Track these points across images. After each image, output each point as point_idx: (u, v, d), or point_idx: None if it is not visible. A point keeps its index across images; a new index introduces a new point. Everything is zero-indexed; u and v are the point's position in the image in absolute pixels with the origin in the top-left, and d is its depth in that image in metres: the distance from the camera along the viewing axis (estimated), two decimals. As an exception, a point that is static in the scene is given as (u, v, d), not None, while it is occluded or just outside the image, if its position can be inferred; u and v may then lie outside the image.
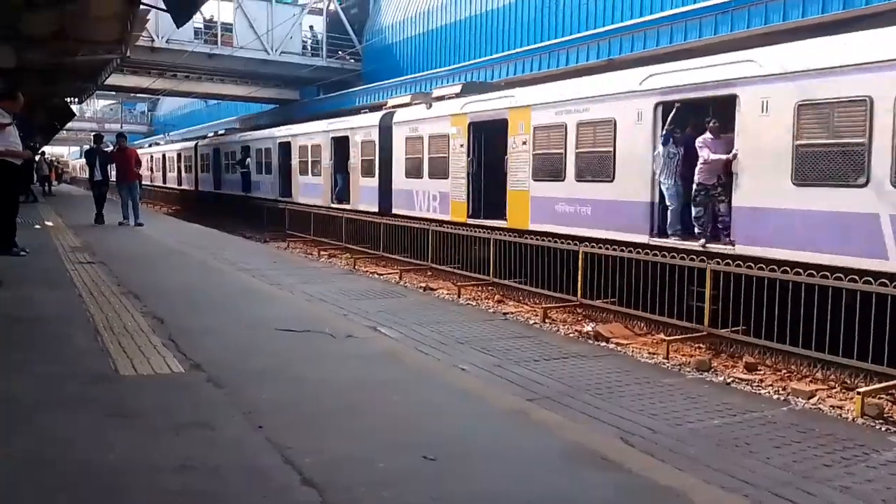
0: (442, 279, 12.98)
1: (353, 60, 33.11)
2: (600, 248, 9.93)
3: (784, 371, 7.56)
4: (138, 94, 56.00)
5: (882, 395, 6.37)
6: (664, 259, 8.91)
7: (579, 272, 10.08)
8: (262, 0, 31.32)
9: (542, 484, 3.31)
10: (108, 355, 5.06)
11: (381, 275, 13.24)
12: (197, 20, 29.35)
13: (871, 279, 6.56)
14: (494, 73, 21.50)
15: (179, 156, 35.84)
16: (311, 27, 33.39)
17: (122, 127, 68.94)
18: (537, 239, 11.14)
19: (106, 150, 17.32)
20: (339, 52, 33.03)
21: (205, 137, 32.09)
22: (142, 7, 13.73)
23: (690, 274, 8.50)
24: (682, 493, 3.25)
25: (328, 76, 32.42)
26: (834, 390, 6.92)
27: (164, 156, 39.33)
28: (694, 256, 8.58)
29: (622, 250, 9.56)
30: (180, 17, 12.89)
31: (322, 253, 16.78)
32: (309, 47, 33.33)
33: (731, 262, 8.17)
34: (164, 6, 12.15)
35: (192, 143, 33.17)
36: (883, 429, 5.32)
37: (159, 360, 5.00)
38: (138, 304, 6.94)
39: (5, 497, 2.86)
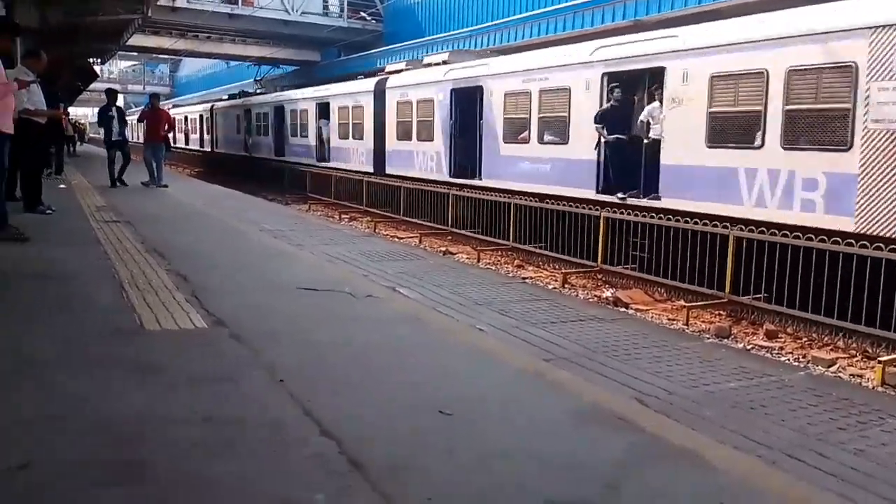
0: (461, 244, 13.02)
1: (374, 21, 32.77)
2: (621, 213, 9.88)
3: (805, 339, 7.53)
4: (160, 56, 56.03)
5: (903, 364, 6.33)
6: (685, 225, 8.85)
7: (600, 237, 10.05)
8: (283, -41, 31.01)
9: (557, 441, 3.35)
10: (133, 311, 5.17)
11: (402, 238, 13.29)
12: (218, -20, 29.19)
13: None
14: (518, 33, 21.17)
15: (201, 117, 35.85)
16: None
17: (144, 88, 69.12)
18: (558, 204, 11.10)
19: (121, 107, 16.93)
20: (361, 13, 32.69)
21: (234, 97, 31.48)
22: (163, -34, 13.64)
23: (713, 240, 8.45)
24: (696, 452, 3.28)
25: (349, 37, 32.14)
26: (855, 359, 6.89)
27: (185, 118, 39.40)
28: (699, 221, 8.74)
29: (643, 216, 9.51)
30: (201, -24, 12.79)
31: (343, 216, 16.86)
32: (331, 7, 33.01)
33: (753, 228, 8.09)
34: (185, -35, 12.06)
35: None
36: (902, 396, 5.31)
37: (183, 316, 5.09)
38: (162, 261, 7.05)
39: (33, 451, 2.95)
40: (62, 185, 14.83)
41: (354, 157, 19.25)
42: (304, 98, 23.08)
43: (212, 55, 41.15)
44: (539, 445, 3.28)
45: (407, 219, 15.01)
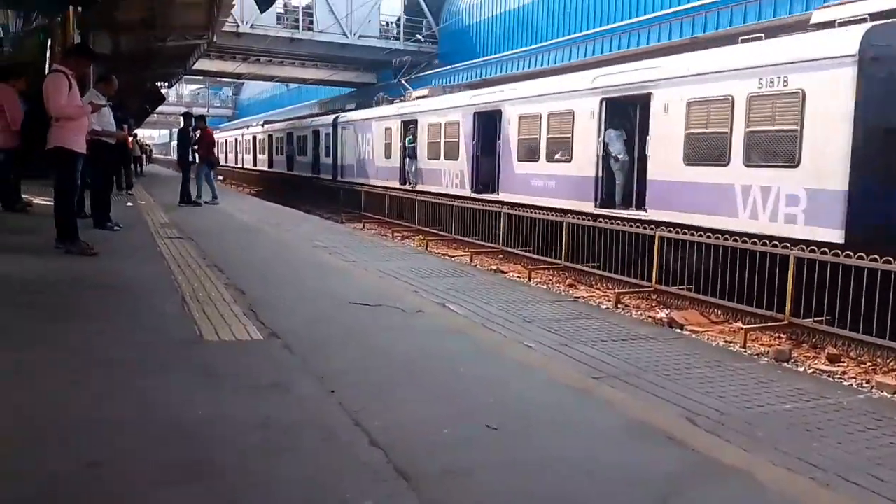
0: (513, 262, 13.02)
1: (429, 43, 33.28)
2: (677, 232, 9.75)
3: (869, 364, 7.26)
4: (223, 79, 58.06)
5: (975, 392, 6.04)
6: (744, 245, 8.68)
7: (654, 257, 9.92)
8: (341, -15, 31.86)
9: (604, 456, 3.34)
10: (193, 322, 5.37)
11: (453, 256, 13.38)
12: (279, 5, 30.18)
13: None
14: (569, 53, 21.19)
15: (271, 137, 36.49)
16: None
17: (208, 110, 71.67)
18: (609, 222, 11.03)
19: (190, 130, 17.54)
20: (416, 35, 33.26)
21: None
22: (227, -6, 14.26)
23: (773, 260, 8.25)
24: (747, 472, 3.23)
25: (405, 59, 32.72)
26: (923, 385, 6.60)
27: (254, 138, 40.19)
28: (757, 241, 8.63)
29: (699, 235, 9.36)
30: (264, 2, 13.31)
31: (395, 234, 17.08)
32: (388, 30, 33.67)
33: (815, 249, 7.88)
34: (248, -8, 12.57)
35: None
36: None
37: (240, 328, 5.27)
38: (221, 276, 7.30)
39: (109, 449, 3.11)
40: (129, 203, 15.49)
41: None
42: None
43: (273, 78, 42.44)
44: (587, 460, 3.28)
45: (458, 237, 15.11)
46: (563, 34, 22.65)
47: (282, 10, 31.43)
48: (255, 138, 37.40)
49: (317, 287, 7.23)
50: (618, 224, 10.81)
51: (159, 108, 43.88)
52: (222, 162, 47.22)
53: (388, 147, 20.81)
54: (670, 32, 17.66)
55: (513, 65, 24.28)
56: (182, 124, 17.26)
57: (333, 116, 24.99)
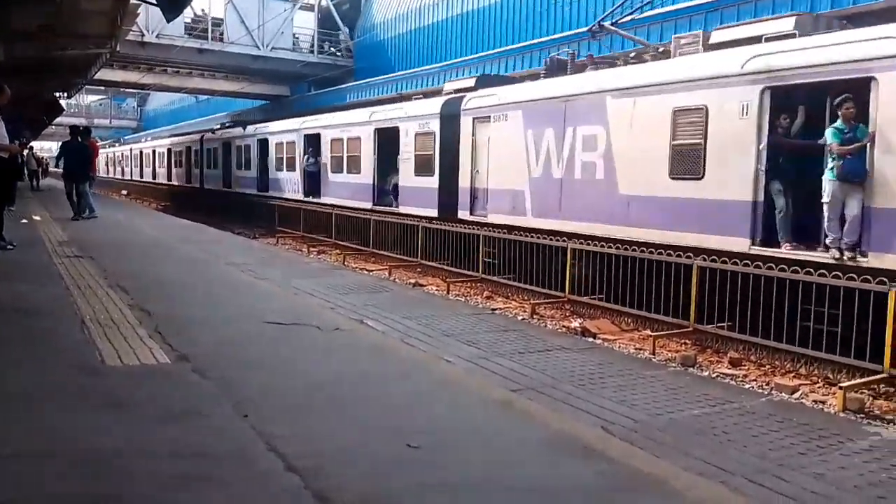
0: (431, 276, 13.04)
1: (344, 57, 33.09)
2: (588, 244, 10.02)
3: (768, 367, 7.65)
4: (128, 90, 55.78)
5: (864, 390, 6.47)
6: (651, 255, 9.00)
7: (567, 269, 10.15)
8: (253, -4, 31.24)
9: (525, 471, 3.36)
10: (95, 347, 5.08)
11: (371, 271, 13.27)
12: (187, 15, 29.27)
13: (854, 275, 6.67)
14: (486, 69, 21.54)
15: (171, 150, 35.35)
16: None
17: (111, 122, 68.51)
18: (525, 235, 11.22)
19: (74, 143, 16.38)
20: (331, 48, 33.02)
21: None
22: (132, 2, 13.70)
23: (678, 270, 8.58)
24: (662, 479, 3.32)
25: (319, 72, 32.38)
26: (817, 385, 7.02)
27: (153, 151, 38.87)
28: (681, 253, 8.71)
29: (609, 246, 9.64)
30: (170, 12, 12.88)
31: (311, 249, 16.79)
32: (301, 42, 33.28)
33: (716, 259, 8.26)
34: (154, 1, 12.14)
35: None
36: (862, 421, 5.41)
37: (145, 352, 5.02)
38: (125, 296, 6.95)
39: (17, 486, 2.88)
40: (24, 220, 14.57)
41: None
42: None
43: (181, 89, 41.09)
44: (508, 475, 3.28)
45: (376, 251, 15.02)
46: (476, 51, 23.03)
47: (190, 21, 30.49)
48: (159, 151, 36.05)
49: (229, 307, 6.98)
50: (531, 237, 11.02)
51: (58, 120, 41.61)
52: (126, 176, 45.32)
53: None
54: (579, 50, 18.25)
55: (428, 80, 24.48)
56: (69, 137, 16.24)
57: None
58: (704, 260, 8.27)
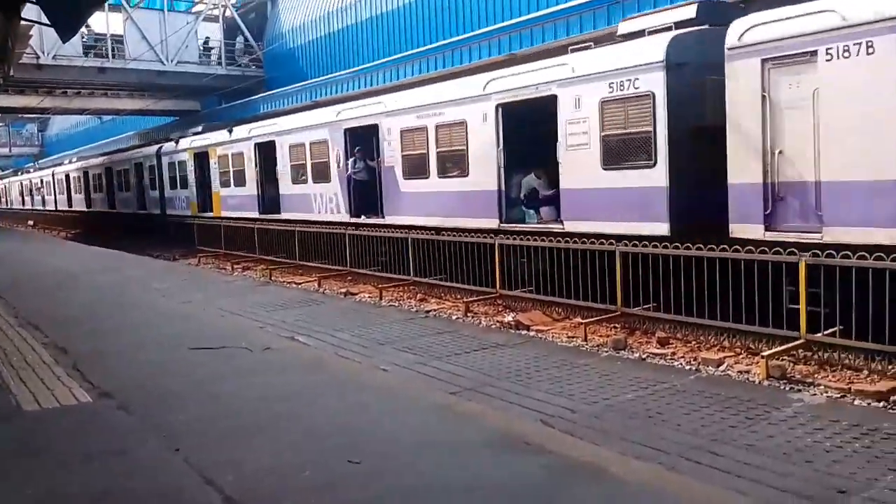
0: (363, 283, 12.90)
1: (254, 67, 32.38)
2: (515, 239, 10.12)
3: (694, 343, 7.91)
4: (27, 115, 52.92)
5: (784, 357, 6.77)
6: (577, 245, 9.17)
7: (496, 265, 10.24)
8: (153, 10, 30.14)
9: (469, 473, 3.36)
10: (8, 391, 4.78)
11: (299, 284, 13.02)
12: (85, 33, 27.99)
13: (766, 248, 6.97)
14: (400, 72, 21.50)
15: (71, 176, 33.66)
16: (207, 38, 32.31)
17: (10, 150, 64.88)
18: (453, 235, 11.25)
19: None
20: (240, 60, 32.27)
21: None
22: (23, 23, 12.98)
23: (602, 257, 8.77)
24: (602, 467, 3.38)
25: (230, 84, 31.56)
26: (741, 356, 7.30)
27: (52, 177, 36.93)
28: (586, 241, 8.99)
29: (535, 239, 9.78)
30: (66, 32, 12.24)
31: (235, 266, 16.34)
32: (211, 55, 32.35)
33: (636, 243, 8.49)
34: (47, 21, 11.52)
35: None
36: (785, 388, 5.66)
37: (64, 392, 4.76)
38: (39, 335, 6.59)
39: None
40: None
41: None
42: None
43: (84, 111, 39.28)
44: (452, 479, 3.27)
45: (303, 263, 14.76)
46: (389, 54, 22.95)
47: (85, 37, 29.14)
48: (68, 176, 34.35)
49: (151, 335, 6.71)
50: (460, 236, 11.06)
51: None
52: (29, 206, 42.98)
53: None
54: (489, 49, 18.46)
55: (341, 87, 24.25)
56: None
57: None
58: (626, 245, 8.48)
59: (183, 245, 20.61)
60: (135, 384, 4.95)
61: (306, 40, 29.12)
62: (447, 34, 20.82)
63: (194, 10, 33.17)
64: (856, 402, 4.72)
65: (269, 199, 16.90)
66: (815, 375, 5.69)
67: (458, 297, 11.03)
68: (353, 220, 14.20)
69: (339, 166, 14.22)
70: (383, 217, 13.37)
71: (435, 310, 10.25)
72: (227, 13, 33.09)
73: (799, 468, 3.36)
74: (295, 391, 4.77)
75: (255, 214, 17.04)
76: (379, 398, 4.58)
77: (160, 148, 23.09)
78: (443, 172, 11.67)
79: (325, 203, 14.88)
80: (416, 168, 12.20)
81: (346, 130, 13.83)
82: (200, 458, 3.53)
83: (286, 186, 16.06)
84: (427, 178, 12.00)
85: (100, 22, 29.38)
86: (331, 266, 13.79)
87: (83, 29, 28.10)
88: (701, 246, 7.56)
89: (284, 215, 15.88)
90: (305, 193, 15.25)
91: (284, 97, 27.27)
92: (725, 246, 7.38)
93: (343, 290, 12.42)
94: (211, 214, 19.01)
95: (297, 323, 7.05)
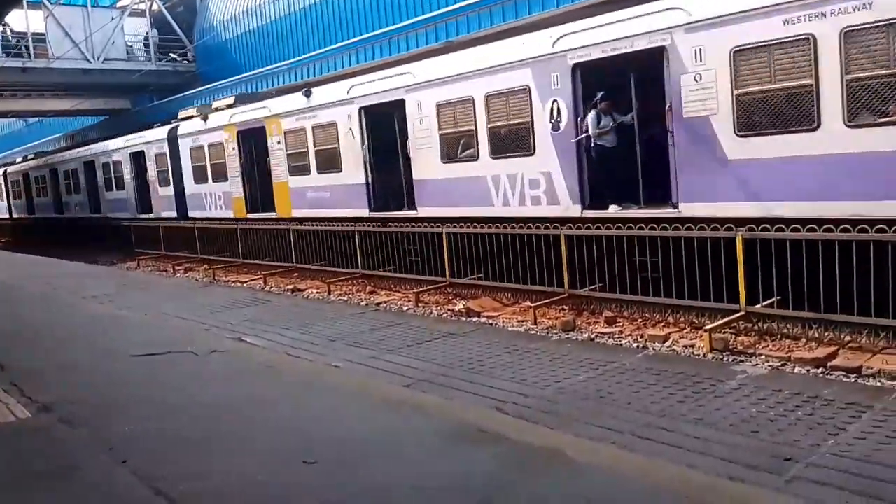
0: (310, 278, 12.73)
1: (186, 62, 31.45)
2: (463, 227, 10.14)
3: (640, 320, 8.09)
4: (-57, 119, 50.29)
5: (726, 329, 6.99)
6: (521, 231, 9.24)
7: (445, 253, 10.24)
8: (76, 6, 28.91)
9: (426, 468, 3.35)
10: (-62, 414, 4.54)
11: (244, 282, 12.78)
12: (6, 33, 26.68)
13: (691, 225, 7.17)
14: (335, 63, 21.20)
15: (17, 178, 32.16)
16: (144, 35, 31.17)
17: (-72, 157, 61.47)
18: (401, 225, 11.20)
19: None
20: (170, 54, 31.28)
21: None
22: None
23: (547, 242, 8.87)
24: (558, 450, 3.41)
25: (161, 80, 30.57)
26: (685, 331, 7.51)
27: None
28: (532, 225, 9.10)
29: (480, 227, 9.81)
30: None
31: (177, 268, 15.93)
32: (136, 50, 31.25)
33: (580, 225, 8.62)
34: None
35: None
36: (728, 360, 5.84)
37: (2, 409, 4.54)
38: (-31, 351, 6.27)
39: None
40: None
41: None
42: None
43: (6, 114, 37.52)
44: (409, 474, 3.26)
45: (248, 261, 14.47)
46: (323, 46, 22.59)
47: (5, 38, 27.79)
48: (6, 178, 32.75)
49: (92, 345, 6.47)
50: (409, 226, 11.02)
51: None
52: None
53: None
54: (426, 38, 18.36)
55: (277, 79, 23.77)
56: None
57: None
58: (571, 228, 8.59)
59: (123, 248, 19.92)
60: (76, 397, 4.76)
61: (238, 32, 28.41)
62: (384, 23, 20.61)
63: (119, 5, 31.97)
64: (796, 370, 4.90)
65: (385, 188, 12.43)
66: (757, 346, 5.88)
67: (409, 287, 11.00)
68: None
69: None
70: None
71: (385, 302, 10.21)
72: (154, 7, 32.00)
73: (746, 439, 3.46)
74: (245, 394, 4.67)
75: (364, 212, 12.45)
76: (332, 396, 4.53)
77: (174, 129, 18.59)
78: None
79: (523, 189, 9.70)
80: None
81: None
82: (149, 469, 3.42)
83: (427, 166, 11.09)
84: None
85: (19, 20, 28.05)
86: (276, 263, 13.57)
87: (0, 28, 26.79)
88: (643, 226, 7.73)
89: (429, 211, 11.05)
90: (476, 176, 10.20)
91: (220, 91, 26.57)
92: (666, 225, 7.56)
93: (290, 287, 12.25)
94: (275, 215, 14.23)
95: (243, 323, 6.92)
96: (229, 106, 16.88)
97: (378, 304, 9.81)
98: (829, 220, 6.20)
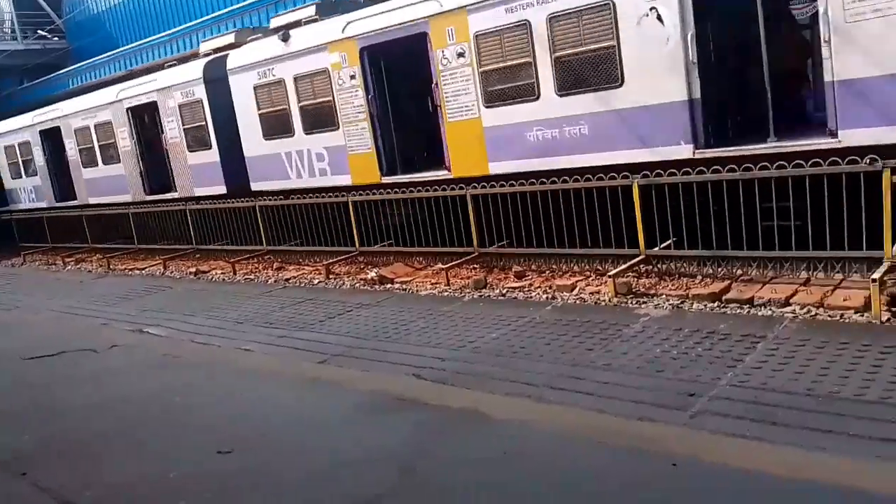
0: (213, 259, 12.28)
1: (56, 39, 29.21)
2: (365, 194, 10.00)
3: (548, 272, 8.28)
4: None
5: (629, 274, 7.26)
6: (428, 194, 9.21)
7: (352, 222, 10.09)
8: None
9: (346, 442, 3.31)
10: None
11: (142, 269, 12.19)
12: None
13: (578, 177, 7.35)
14: (219, 30, 20.23)
15: None
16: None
17: None
18: (301, 197, 10.93)
19: None
20: (39, 31, 28.94)
21: None
22: None
23: (455, 203, 8.89)
24: (475, 409, 3.46)
25: (30, 60, 28.30)
26: (591, 279, 7.74)
27: None
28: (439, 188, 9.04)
29: (387, 192, 9.71)
30: None
31: (68, 260, 15.01)
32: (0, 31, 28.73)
33: (486, 184, 8.66)
34: None
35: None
36: (632, 303, 6.07)
37: None
38: None
39: None
40: None
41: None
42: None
43: None
44: (330, 448, 3.22)
45: (144, 246, 13.78)
46: (207, 13, 21.46)
47: None
48: None
49: (-23, 351, 6.02)
50: (309, 198, 10.76)
51: None
52: None
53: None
54: None
55: (161, 50, 22.49)
56: None
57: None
58: (475, 188, 8.63)
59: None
60: (-38, 411, 4.42)
61: (112, 3, 26.59)
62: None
63: (-28, -22, 29.18)
64: (694, 307, 5.14)
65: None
66: (657, 287, 6.13)
67: (318, 259, 10.80)
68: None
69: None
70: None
71: (294, 277, 9.99)
72: (14, -20, 29.42)
73: (652, 379, 3.61)
74: (151, 389, 4.47)
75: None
76: (244, 381, 4.40)
77: (216, 64, 12.20)
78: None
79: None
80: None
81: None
82: (52, 478, 3.23)
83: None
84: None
85: None
86: (176, 246, 12.99)
87: None
88: (544, 180, 7.85)
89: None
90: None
91: (96, 68, 24.91)
92: (566, 178, 7.70)
93: (192, 270, 11.79)
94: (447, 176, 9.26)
95: (143, 313, 6.60)
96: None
97: (287, 279, 9.59)
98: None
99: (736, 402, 3.28)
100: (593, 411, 3.31)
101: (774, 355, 3.77)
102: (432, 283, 8.65)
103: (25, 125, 18.35)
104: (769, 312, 4.65)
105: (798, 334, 4.05)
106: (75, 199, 16.37)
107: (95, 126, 15.55)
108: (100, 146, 15.63)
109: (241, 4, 19.98)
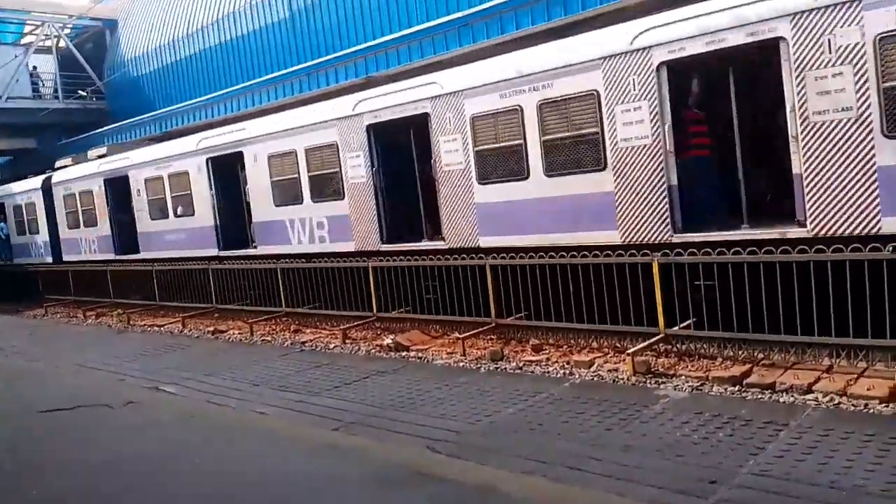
0: (231, 319, 12.35)
1: (95, 99, 30.38)
2: (391, 261, 10.09)
3: (566, 347, 8.22)
4: None
5: (648, 352, 7.19)
6: (447, 262, 9.28)
7: (371, 287, 10.15)
8: (-27, 43, 27.54)
9: (356, 515, 3.26)
10: None
11: (161, 326, 12.27)
12: None
13: (598, 252, 7.40)
14: (253, 99, 20.95)
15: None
16: (34, 67, 29.87)
17: None
18: (325, 261, 11.05)
19: None
20: (79, 91, 30.14)
21: None
22: None
23: (473, 273, 8.93)
24: (492, 486, 3.40)
25: (69, 119, 29.37)
26: (609, 356, 7.67)
27: None
28: (459, 257, 9.14)
29: (401, 259, 9.79)
30: None
31: (89, 314, 15.16)
32: (41, 89, 29.98)
33: (506, 255, 8.72)
34: None
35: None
36: (650, 384, 5.99)
37: None
38: None
39: None
40: None
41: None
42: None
43: None
44: (339, 524, 3.16)
45: (164, 304, 13.91)
46: (238, 82, 22.28)
47: None
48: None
49: (-6, 402, 6.05)
50: (330, 262, 10.88)
51: None
52: None
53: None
54: (350, 71, 18.41)
55: (194, 115, 23.25)
56: None
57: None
58: (495, 258, 8.70)
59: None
60: (-25, 463, 4.42)
61: (151, 69, 27.73)
62: (303, 58, 20.53)
63: (23, 41, 30.73)
64: (714, 390, 5.06)
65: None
66: (677, 367, 6.06)
67: (335, 324, 10.82)
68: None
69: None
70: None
71: (311, 340, 10.00)
72: (62, 44, 30.91)
73: (672, 463, 3.54)
74: (165, 448, 4.45)
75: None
76: (258, 444, 4.37)
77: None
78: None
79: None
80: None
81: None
82: (59, 538, 3.19)
83: None
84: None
85: None
86: (195, 304, 13.10)
87: None
88: (564, 254, 7.89)
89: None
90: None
91: (133, 129, 25.80)
92: (586, 252, 7.74)
93: (210, 329, 11.85)
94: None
95: (161, 371, 6.62)
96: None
97: (304, 343, 9.60)
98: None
99: (758, 492, 3.19)
100: (611, 493, 3.24)
101: (798, 444, 3.68)
102: (448, 353, 8.60)
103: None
104: (791, 399, 4.57)
105: (821, 423, 3.96)
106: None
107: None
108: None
109: (274, 74, 20.74)
